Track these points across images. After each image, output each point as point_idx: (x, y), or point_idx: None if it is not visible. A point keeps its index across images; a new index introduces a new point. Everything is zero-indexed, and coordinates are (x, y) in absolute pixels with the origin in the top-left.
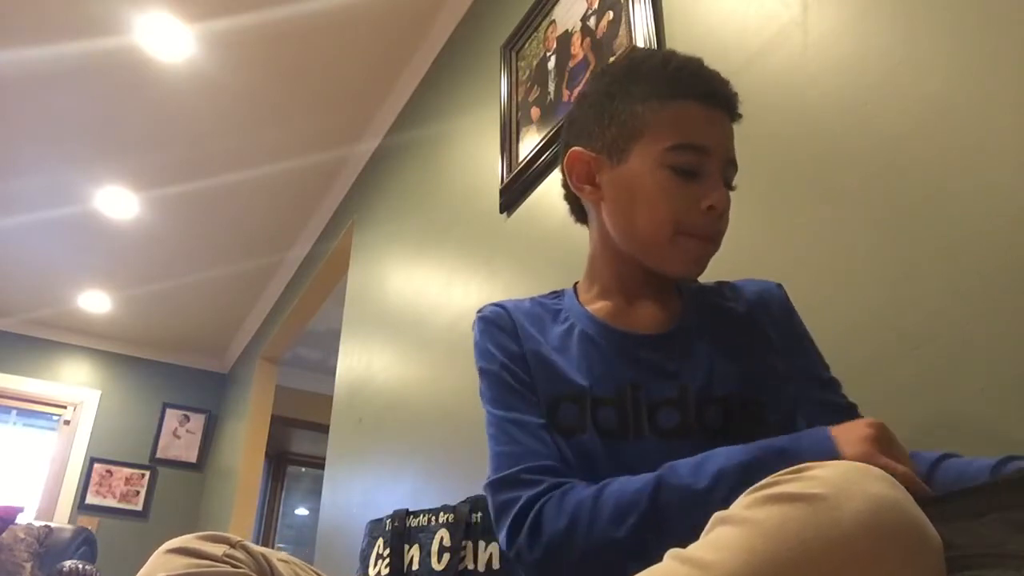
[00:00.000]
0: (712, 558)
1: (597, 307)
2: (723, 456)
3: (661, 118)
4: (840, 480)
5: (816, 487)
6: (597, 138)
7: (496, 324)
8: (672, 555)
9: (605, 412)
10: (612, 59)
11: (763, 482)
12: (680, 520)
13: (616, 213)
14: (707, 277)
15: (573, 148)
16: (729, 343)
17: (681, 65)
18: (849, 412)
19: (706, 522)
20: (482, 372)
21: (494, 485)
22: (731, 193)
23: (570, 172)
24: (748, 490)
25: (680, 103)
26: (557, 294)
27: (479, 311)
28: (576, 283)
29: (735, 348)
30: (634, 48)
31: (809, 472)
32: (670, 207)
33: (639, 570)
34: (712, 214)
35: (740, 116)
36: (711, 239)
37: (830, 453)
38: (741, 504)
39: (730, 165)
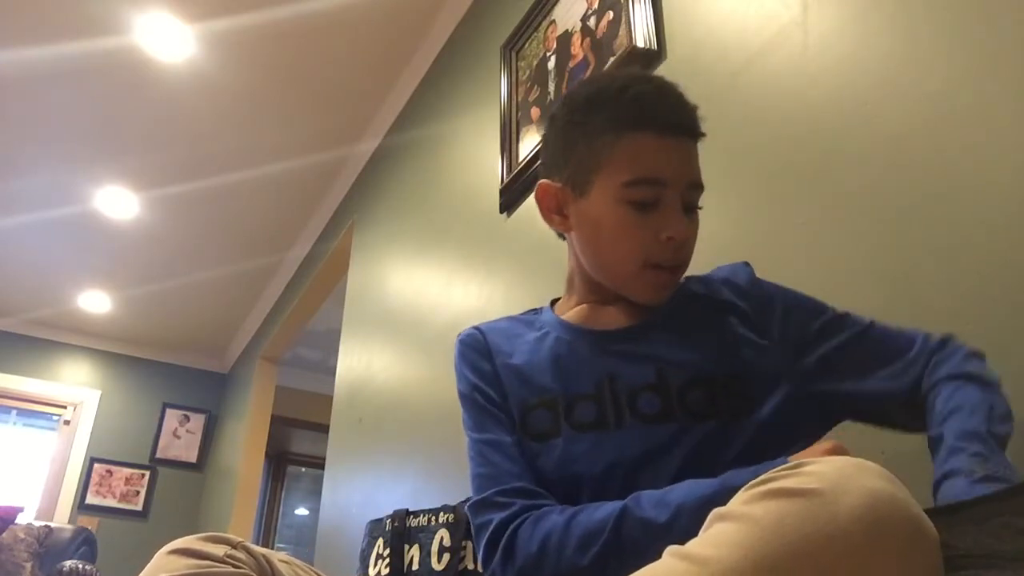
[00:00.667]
0: (710, 554)
1: (570, 314)
2: (685, 489)
3: (617, 152)
4: (836, 475)
5: (813, 482)
6: (563, 169)
7: (469, 346)
8: (670, 552)
9: (583, 407)
10: (588, 74)
11: (760, 478)
12: (641, 552)
13: (583, 244)
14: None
15: (541, 181)
16: (701, 326)
17: (637, 94)
18: (866, 329)
19: None
20: (460, 397)
21: (472, 507)
22: (710, 199)
23: (539, 204)
24: (746, 486)
25: (634, 135)
26: (536, 311)
27: (458, 336)
28: (553, 300)
29: (707, 329)
30: (633, 48)
31: (806, 468)
32: (632, 243)
33: None
34: (671, 244)
35: (702, 134)
36: (675, 270)
37: None
38: (739, 500)
39: (692, 189)
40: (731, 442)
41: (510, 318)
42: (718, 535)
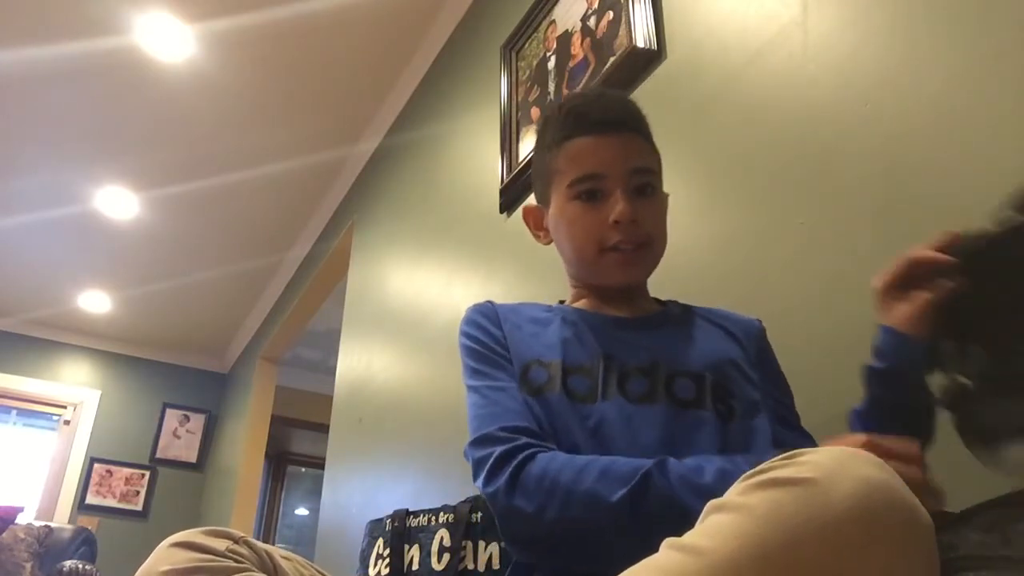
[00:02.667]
0: (707, 544)
1: (579, 304)
2: (721, 459)
3: (561, 160)
4: (831, 464)
5: (807, 471)
6: (537, 191)
7: (480, 312)
8: (668, 544)
9: (576, 379)
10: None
11: (756, 469)
12: (671, 505)
13: (558, 248)
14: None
15: (525, 205)
16: (701, 336)
17: (570, 108)
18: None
19: (691, 516)
20: (463, 349)
21: (473, 444)
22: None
23: (527, 225)
24: (741, 478)
25: (570, 142)
26: (548, 306)
27: (470, 306)
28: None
29: (706, 340)
30: (633, 48)
31: (801, 458)
32: (585, 232)
33: (618, 545)
34: (619, 227)
35: (637, 126)
36: (634, 246)
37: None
38: (734, 491)
39: (637, 174)
40: (705, 431)
41: (522, 303)
42: (714, 526)
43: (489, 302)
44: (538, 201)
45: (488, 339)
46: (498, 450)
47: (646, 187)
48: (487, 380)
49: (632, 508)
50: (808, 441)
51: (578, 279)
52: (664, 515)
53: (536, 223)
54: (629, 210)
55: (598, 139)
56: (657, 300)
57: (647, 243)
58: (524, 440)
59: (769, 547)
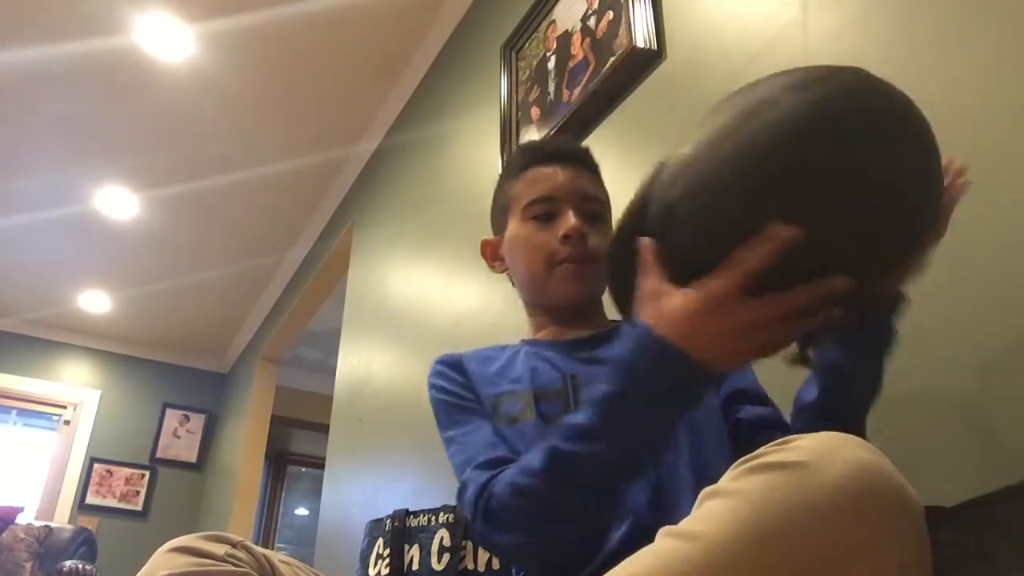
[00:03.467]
0: (701, 529)
1: (539, 335)
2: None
3: (518, 188)
4: (821, 448)
5: (798, 455)
6: (495, 224)
7: (443, 363)
8: (663, 532)
9: (548, 404)
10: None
11: (749, 455)
12: (582, 459)
13: (512, 270)
14: None
15: (483, 239)
16: None
17: (526, 145)
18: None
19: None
20: (433, 403)
21: (458, 493)
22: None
23: (484, 257)
24: (734, 464)
25: (528, 170)
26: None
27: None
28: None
29: None
30: (633, 48)
31: (793, 443)
32: (538, 248)
33: (587, 504)
34: (569, 241)
35: (591, 165)
36: (581, 261)
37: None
38: (728, 477)
39: (587, 201)
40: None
41: (493, 347)
42: (709, 511)
43: (451, 354)
44: (495, 232)
45: (455, 387)
46: (471, 492)
47: (596, 215)
48: (460, 428)
49: (561, 482)
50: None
51: (534, 304)
52: (574, 470)
53: (492, 254)
54: (577, 224)
55: (552, 167)
56: (614, 321)
57: (595, 259)
58: (488, 475)
59: (763, 530)
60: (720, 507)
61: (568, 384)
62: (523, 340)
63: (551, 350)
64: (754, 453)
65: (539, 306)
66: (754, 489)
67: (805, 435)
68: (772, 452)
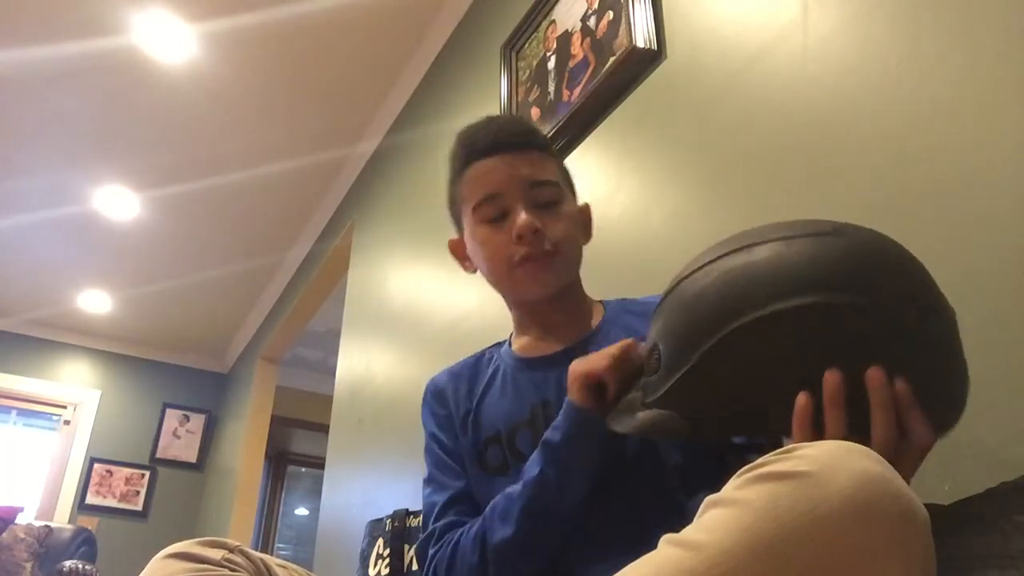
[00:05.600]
0: (704, 539)
1: (520, 344)
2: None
3: (462, 188)
4: (826, 457)
5: (804, 465)
6: (455, 222)
7: (431, 394)
8: (666, 540)
9: (521, 437)
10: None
11: (753, 464)
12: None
13: (481, 271)
14: None
15: (450, 239)
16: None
17: (462, 139)
18: None
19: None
20: (425, 435)
21: (421, 539)
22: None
23: (455, 257)
24: (738, 472)
25: (468, 169)
26: (499, 343)
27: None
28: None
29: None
30: (633, 48)
31: (797, 451)
32: (496, 252)
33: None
34: (523, 240)
35: (530, 141)
36: (541, 259)
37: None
38: (731, 486)
39: (536, 187)
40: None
41: (473, 356)
42: (712, 520)
43: (435, 379)
44: (457, 232)
45: (435, 427)
46: (421, 557)
47: (548, 201)
48: (433, 479)
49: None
50: None
51: (512, 303)
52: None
53: (461, 253)
54: (528, 221)
55: (489, 161)
56: (599, 302)
57: (554, 251)
58: (433, 550)
59: (766, 540)
60: (723, 516)
61: (540, 413)
62: (507, 342)
63: (522, 370)
64: (758, 461)
65: (514, 302)
66: (758, 498)
67: (810, 444)
68: (776, 461)
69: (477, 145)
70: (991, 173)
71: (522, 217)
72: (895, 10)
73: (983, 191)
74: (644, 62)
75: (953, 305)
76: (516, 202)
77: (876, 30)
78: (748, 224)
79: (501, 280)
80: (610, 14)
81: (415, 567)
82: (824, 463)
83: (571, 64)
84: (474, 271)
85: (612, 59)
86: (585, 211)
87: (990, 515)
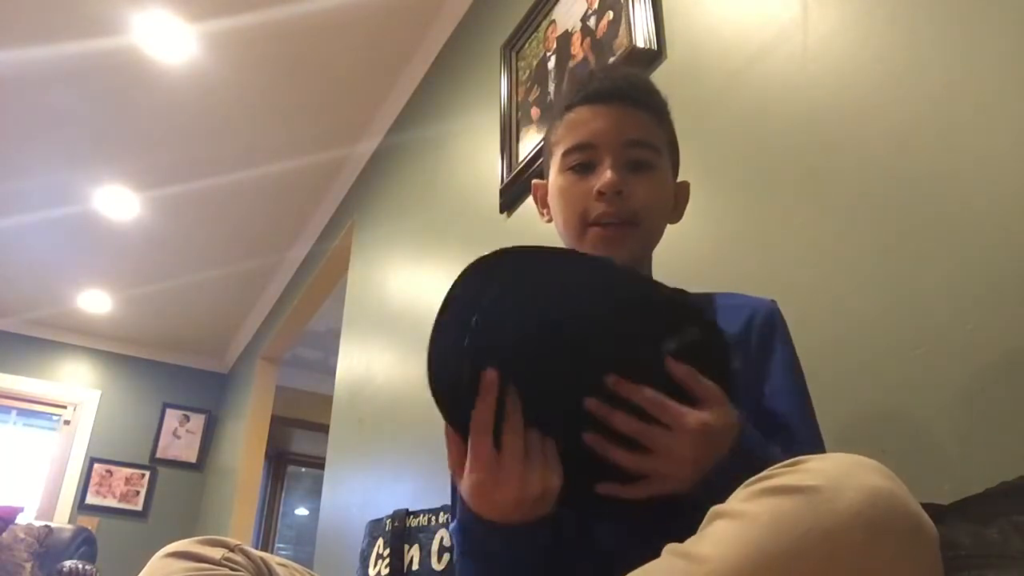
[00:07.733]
0: (709, 552)
1: None
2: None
3: (560, 131)
4: (835, 472)
5: (812, 479)
6: (545, 166)
7: None
8: (669, 550)
9: None
10: (611, 60)
11: (759, 475)
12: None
13: (556, 222)
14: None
15: (534, 181)
16: None
17: (578, 81)
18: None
19: None
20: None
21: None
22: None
23: (535, 201)
24: (744, 484)
25: (569, 113)
26: None
27: None
28: None
29: None
30: (634, 48)
31: (804, 464)
32: (571, 204)
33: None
34: (603, 198)
35: (643, 99)
36: (616, 224)
37: None
38: (738, 497)
39: (632, 147)
40: None
41: None
42: (716, 533)
43: None
44: (544, 176)
45: None
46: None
47: (642, 163)
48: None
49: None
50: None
51: None
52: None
53: (542, 199)
54: (614, 180)
55: (595, 109)
56: (674, 289)
57: (632, 220)
58: None
59: (772, 555)
60: (729, 529)
61: None
62: None
63: None
64: (764, 473)
65: None
66: (764, 512)
67: (817, 456)
68: (783, 474)
69: (588, 89)
70: (991, 172)
71: (608, 173)
72: (895, 10)
73: (983, 190)
74: (644, 62)
75: (952, 303)
76: (608, 157)
77: (876, 30)
78: (747, 224)
79: (572, 236)
80: (610, 14)
81: (415, 567)
82: (832, 477)
83: (571, 64)
84: (548, 221)
85: (612, 59)
86: (683, 188)
87: (990, 515)
